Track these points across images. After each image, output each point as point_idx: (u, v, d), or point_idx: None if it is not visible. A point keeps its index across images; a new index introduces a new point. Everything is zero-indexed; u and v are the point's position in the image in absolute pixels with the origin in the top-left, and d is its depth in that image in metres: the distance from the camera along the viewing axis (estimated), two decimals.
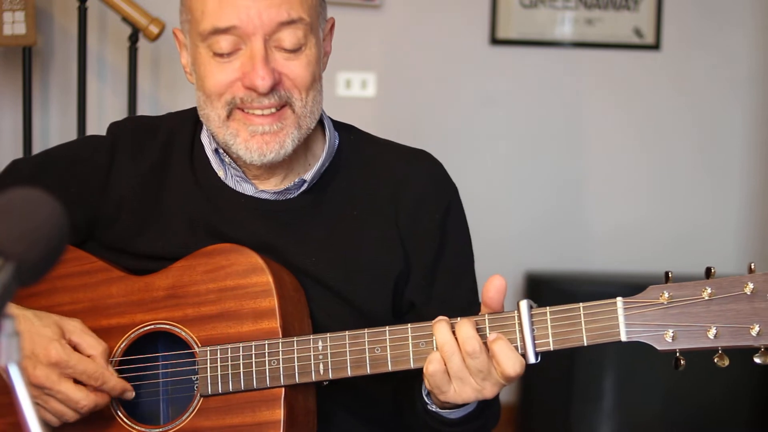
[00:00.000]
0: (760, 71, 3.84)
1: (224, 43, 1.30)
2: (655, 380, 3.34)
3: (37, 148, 3.17)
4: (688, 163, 3.87)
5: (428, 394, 1.28)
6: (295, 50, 1.32)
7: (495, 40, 3.75)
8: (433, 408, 1.28)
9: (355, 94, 3.68)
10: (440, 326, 1.20)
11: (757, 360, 1.13)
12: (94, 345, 1.31)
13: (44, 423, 1.29)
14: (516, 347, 1.19)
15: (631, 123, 3.85)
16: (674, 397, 3.36)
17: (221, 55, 1.32)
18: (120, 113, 3.37)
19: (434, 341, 1.22)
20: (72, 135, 3.25)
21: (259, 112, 1.32)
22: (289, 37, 1.31)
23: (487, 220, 3.69)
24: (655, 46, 3.80)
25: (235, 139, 1.34)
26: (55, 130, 3.43)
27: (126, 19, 3.10)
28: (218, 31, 1.30)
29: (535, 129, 3.82)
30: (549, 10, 3.76)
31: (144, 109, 3.39)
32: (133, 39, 3.15)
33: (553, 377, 3.43)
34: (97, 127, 3.27)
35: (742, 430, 3.43)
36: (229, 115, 1.34)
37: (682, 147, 3.86)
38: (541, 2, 3.76)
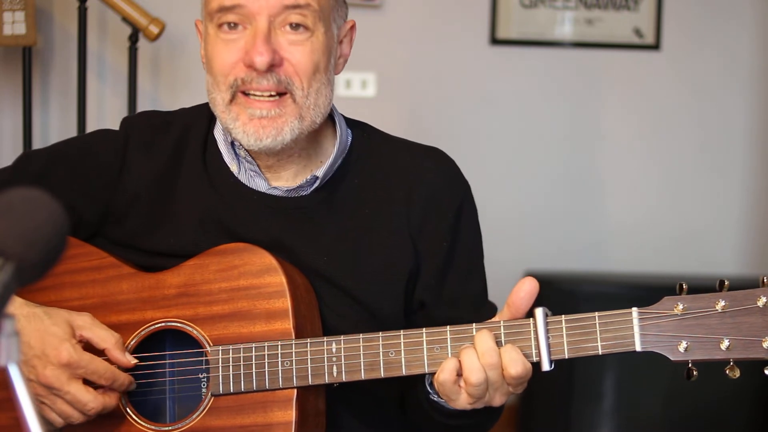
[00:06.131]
0: (762, 71, 3.84)
1: (230, 16, 1.32)
2: (655, 380, 3.34)
3: (37, 148, 3.17)
4: (690, 163, 3.87)
5: (431, 384, 1.28)
6: (300, 29, 1.32)
7: (495, 40, 3.75)
8: (435, 398, 1.29)
9: (355, 94, 3.68)
10: (469, 353, 1.20)
11: None
12: (106, 337, 1.30)
13: (49, 423, 1.30)
14: (530, 354, 1.20)
15: (632, 123, 3.85)
16: (674, 397, 3.35)
17: (227, 31, 1.32)
18: (120, 113, 3.37)
19: (449, 347, 1.22)
20: (72, 135, 3.24)
21: (258, 94, 1.32)
22: (296, 15, 1.32)
23: (488, 219, 3.68)
24: (655, 46, 3.80)
25: (235, 122, 1.34)
26: (55, 130, 3.44)
27: (126, 19, 3.10)
28: (224, 9, 1.31)
29: (534, 129, 3.82)
30: (549, 10, 3.77)
31: (144, 109, 3.38)
32: (133, 39, 3.15)
33: (553, 377, 3.42)
34: (97, 127, 3.26)
35: (742, 431, 3.43)
36: (232, 99, 1.34)
37: (683, 147, 3.86)
38: (541, 2, 3.76)
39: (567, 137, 3.84)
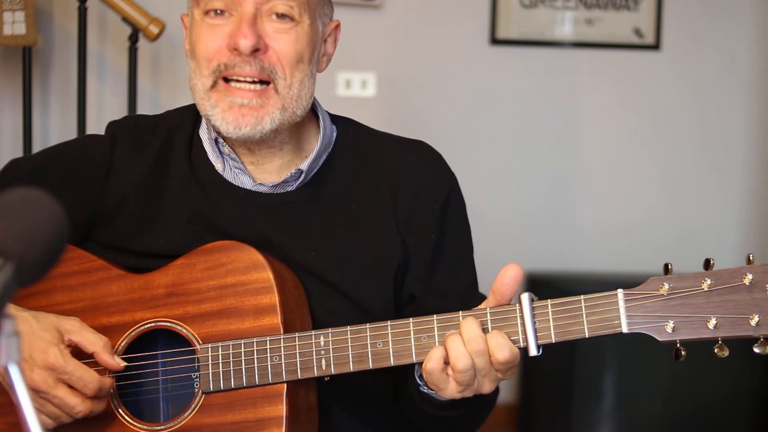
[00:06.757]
0: (762, 71, 3.84)
1: (217, 2, 1.33)
2: (655, 380, 3.34)
3: (37, 148, 3.17)
4: (689, 163, 3.88)
5: (421, 375, 1.28)
6: (286, 19, 1.33)
7: (495, 40, 3.75)
8: (425, 390, 1.29)
9: (355, 94, 3.68)
10: (454, 340, 1.20)
11: (756, 350, 1.14)
12: (94, 341, 1.30)
13: (41, 424, 1.30)
14: (517, 340, 1.19)
15: (631, 123, 3.85)
16: (674, 396, 3.36)
17: (213, 16, 1.33)
18: (120, 113, 3.37)
19: (435, 336, 1.22)
20: (72, 135, 3.25)
21: (241, 80, 1.33)
22: (282, 5, 1.33)
23: (486, 219, 3.69)
24: (655, 46, 3.81)
25: (214, 109, 1.34)
26: (55, 130, 3.44)
27: (126, 19, 3.10)
28: None
29: (534, 129, 3.83)
30: (549, 10, 3.77)
31: (144, 109, 3.39)
32: (133, 39, 3.15)
33: (553, 377, 3.43)
34: (97, 127, 3.27)
35: (742, 430, 3.43)
36: (213, 86, 1.34)
37: (682, 147, 3.87)
38: (541, 2, 3.76)
39: (567, 137, 3.84)
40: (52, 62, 3.44)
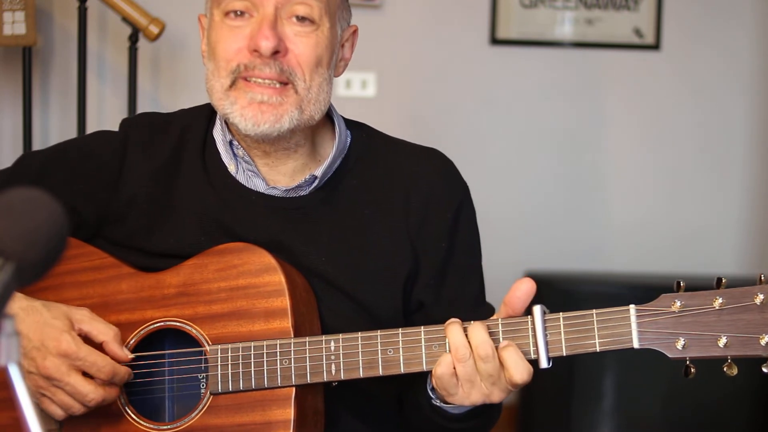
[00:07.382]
0: (762, 71, 3.84)
1: (237, 3, 1.33)
2: (655, 380, 3.34)
3: (37, 148, 3.17)
4: (690, 163, 3.88)
5: (433, 389, 1.28)
6: (306, 22, 1.33)
7: (495, 40, 3.75)
8: (437, 403, 1.29)
9: (355, 94, 3.68)
10: (453, 329, 1.21)
11: (765, 370, 1.15)
12: (104, 331, 1.30)
13: (50, 416, 1.30)
14: (528, 352, 1.20)
15: (632, 123, 3.85)
16: (674, 397, 3.36)
17: (233, 17, 1.33)
18: (120, 113, 3.37)
19: (447, 343, 1.22)
20: (72, 135, 3.25)
21: (260, 81, 1.32)
22: (302, 7, 1.33)
23: (488, 220, 3.68)
24: (655, 46, 3.81)
25: (233, 106, 1.33)
26: (55, 130, 3.44)
27: (126, 19, 3.11)
28: None
29: (535, 129, 3.83)
30: (549, 10, 3.77)
31: (144, 109, 3.38)
32: (133, 39, 3.15)
33: (553, 377, 3.42)
34: (97, 127, 3.25)
35: (742, 430, 3.43)
36: (232, 85, 1.34)
37: (683, 147, 3.87)
38: (541, 2, 3.76)
39: (567, 137, 3.84)
40: (52, 62, 3.44)
